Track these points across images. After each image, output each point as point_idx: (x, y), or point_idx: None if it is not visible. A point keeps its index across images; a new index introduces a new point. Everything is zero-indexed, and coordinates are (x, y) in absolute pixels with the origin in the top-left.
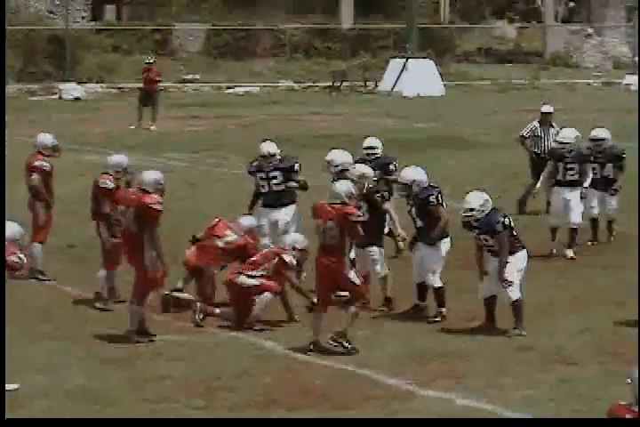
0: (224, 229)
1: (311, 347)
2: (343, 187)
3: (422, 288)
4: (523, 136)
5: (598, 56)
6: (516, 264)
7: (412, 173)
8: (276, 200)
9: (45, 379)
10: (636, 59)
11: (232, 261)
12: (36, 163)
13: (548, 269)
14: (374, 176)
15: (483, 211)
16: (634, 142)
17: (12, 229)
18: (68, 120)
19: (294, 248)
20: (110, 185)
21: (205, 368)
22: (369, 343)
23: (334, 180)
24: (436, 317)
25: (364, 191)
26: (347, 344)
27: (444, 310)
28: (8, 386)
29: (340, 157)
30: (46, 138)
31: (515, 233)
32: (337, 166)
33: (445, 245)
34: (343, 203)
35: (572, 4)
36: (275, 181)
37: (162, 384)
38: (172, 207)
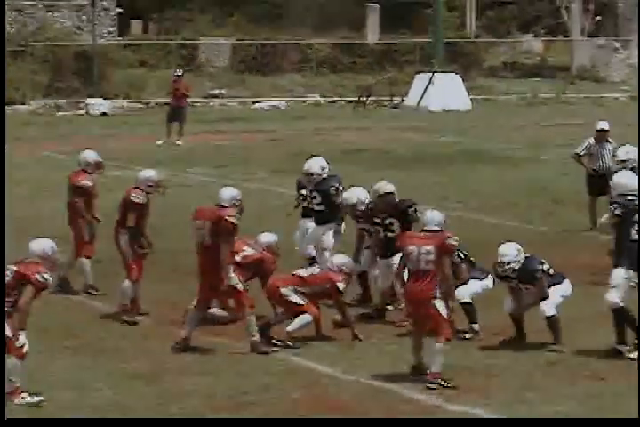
0: (242, 246)
1: (412, 371)
2: (439, 216)
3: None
4: (577, 154)
5: (625, 70)
6: (560, 291)
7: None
8: (318, 219)
9: (72, 394)
10: None
11: (250, 277)
12: (82, 182)
13: (575, 285)
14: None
15: (519, 261)
16: None
17: (42, 245)
18: (94, 136)
19: (342, 271)
20: (140, 199)
21: (232, 383)
22: (396, 358)
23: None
24: (467, 333)
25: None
26: (444, 383)
27: (476, 326)
28: (31, 398)
29: (315, 164)
30: (90, 155)
31: (550, 269)
32: (312, 175)
33: (489, 280)
34: (439, 230)
35: (598, 18)
36: (315, 201)
37: (188, 399)
38: None
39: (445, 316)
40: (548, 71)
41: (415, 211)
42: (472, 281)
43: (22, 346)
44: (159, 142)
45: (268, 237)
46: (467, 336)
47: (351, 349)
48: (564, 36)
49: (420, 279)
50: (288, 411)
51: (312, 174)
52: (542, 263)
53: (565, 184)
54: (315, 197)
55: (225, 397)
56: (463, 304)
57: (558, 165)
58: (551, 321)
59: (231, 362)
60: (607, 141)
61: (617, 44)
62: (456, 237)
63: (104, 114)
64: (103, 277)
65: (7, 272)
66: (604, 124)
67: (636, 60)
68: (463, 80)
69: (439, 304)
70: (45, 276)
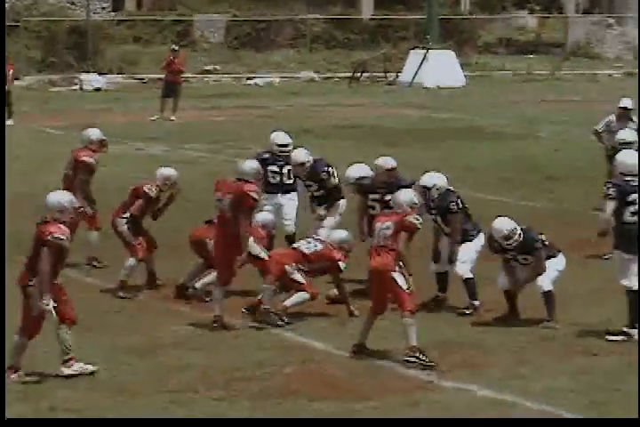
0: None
1: (354, 349)
2: (406, 197)
3: (442, 279)
4: (597, 130)
5: (620, 46)
6: (555, 265)
7: (432, 178)
8: (320, 202)
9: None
10: None
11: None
12: (85, 158)
13: (569, 262)
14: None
15: (519, 234)
16: None
17: (58, 197)
18: (88, 111)
19: (342, 248)
20: (153, 193)
21: (226, 359)
22: (389, 334)
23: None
24: (467, 308)
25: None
26: (425, 360)
27: (476, 302)
28: (87, 367)
29: (287, 137)
30: (94, 133)
31: (547, 243)
32: (302, 165)
33: (480, 240)
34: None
35: None
36: (312, 189)
37: (183, 375)
38: (192, 198)
39: (405, 289)
40: (543, 48)
41: None
42: (468, 246)
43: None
44: (153, 118)
45: (262, 216)
46: (467, 312)
47: (344, 325)
48: (559, 13)
49: (380, 254)
50: (281, 387)
51: (302, 164)
52: (541, 233)
53: (559, 161)
54: (311, 186)
55: (219, 372)
56: (465, 280)
57: (552, 142)
58: (547, 296)
59: (225, 337)
60: (630, 120)
61: (611, 21)
62: (417, 217)
63: (98, 89)
64: (99, 253)
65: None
66: (627, 102)
67: (634, 38)
68: (457, 56)
69: (398, 278)
70: (57, 235)
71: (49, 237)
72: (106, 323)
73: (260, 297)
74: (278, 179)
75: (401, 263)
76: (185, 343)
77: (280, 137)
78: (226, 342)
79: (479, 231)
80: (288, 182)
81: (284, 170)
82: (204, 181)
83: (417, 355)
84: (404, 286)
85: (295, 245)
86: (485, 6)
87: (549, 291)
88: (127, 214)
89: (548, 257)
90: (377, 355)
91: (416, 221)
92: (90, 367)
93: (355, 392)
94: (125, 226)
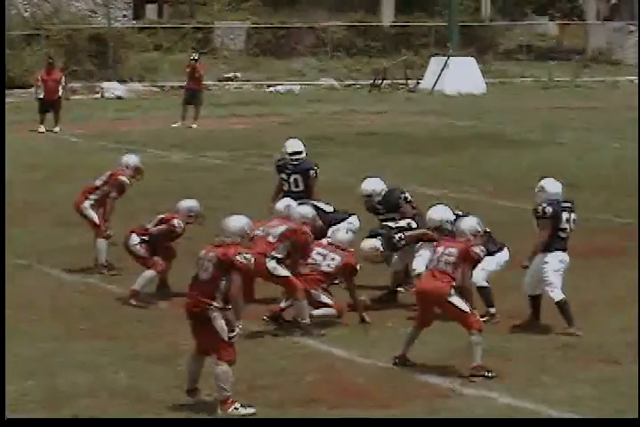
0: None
1: (396, 361)
2: (467, 225)
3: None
4: None
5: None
6: (553, 265)
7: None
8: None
9: (89, 378)
10: None
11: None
12: (121, 177)
13: (590, 269)
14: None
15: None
16: None
17: (241, 222)
18: (109, 119)
19: (346, 249)
20: (180, 229)
21: (247, 367)
22: (398, 342)
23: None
24: (483, 316)
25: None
26: (488, 374)
27: (492, 309)
28: (244, 410)
29: (298, 145)
30: (132, 159)
31: (563, 235)
32: (298, 154)
33: (504, 255)
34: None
35: (613, 1)
36: (293, 183)
37: (203, 382)
38: (213, 206)
39: (467, 310)
40: (564, 54)
41: (405, 199)
42: (487, 259)
43: (232, 348)
44: (174, 125)
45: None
46: (483, 319)
47: (366, 333)
48: (580, 20)
49: (437, 278)
50: (303, 395)
51: (299, 153)
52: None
53: (581, 168)
54: (296, 180)
55: (240, 380)
56: (479, 288)
57: (574, 149)
58: (561, 305)
59: (247, 345)
60: None
61: (632, 28)
62: (482, 247)
63: (119, 97)
64: (118, 261)
65: (206, 263)
66: None
67: None
68: (478, 63)
69: (457, 301)
70: (247, 256)
71: (238, 258)
72: (127, 331)
73: (282, 305)
74: (286, 187)
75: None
76: None
77: (290, 145)
78: (247, 350)
79: (502, 247)
80: (295, 190)
81: (291, 178)
82: (224, 189)
83: (483, 373)
84: (466, 308)
85: (312, 263)
86: (506, 13)
87: (562, 299)
88: (144, 236)
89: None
90: (399, 362)
91: (482, 254)
92: (248, 410)
93: (376, 400)
94: (138, 246)
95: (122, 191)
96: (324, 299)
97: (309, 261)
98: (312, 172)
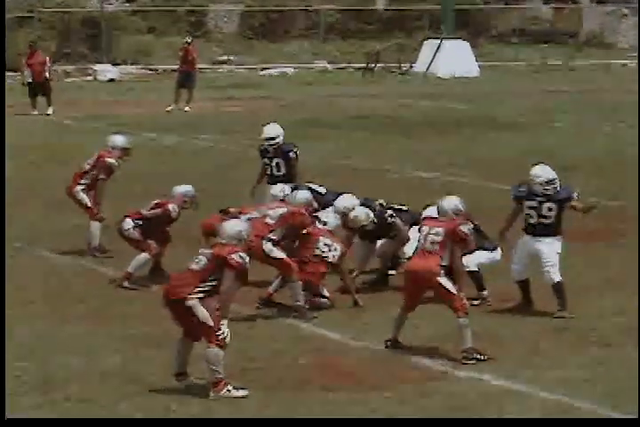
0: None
1: (387, 344)
2: (449, 204)
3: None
4: None
5: (633, 36)
6: (557, 247)
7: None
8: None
9: (82, 360)
10: None
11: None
12: (108, 159)
13: (582, 252)
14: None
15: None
16: None
17: (238, 226)
18: (102, 101)
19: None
20: (175, 214)
21: (240, 350)
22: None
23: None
24: (475, 300)
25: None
26: (480, 356)
27: (485, 293)
28: (236, 392)
29: (274, 129)
30: (120, 140)
31: (531, 220)
32: (272, 140)
33: (496, 253)
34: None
35: None
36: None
37: (196, 365)
38: (204, 188)
39: (455, 292)
40: (557, 38)
41: (392, 217)
42: (480, 252)
43: (224, 337)
44: (168, 109)
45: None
46: (475, 303)
47: (359, 315)
48: (573, 2)
49: (425, 258)
50: (296, 377)
51: (273, 139)
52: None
53: (574, 151)
54: (278, 164)
55: (233, 363)
56: (470, 272)
57: (567, 132)
58: (557, 287)
59: (240, 328)
60: None
61: (625, 11)
62: (468, 226)
63: (112, 80)
64: (111, 243)
65: (200, 257)
66: None
67: None
68: (472, 46)
69: (446, 282)
70: (243, 255)
71: (233, 257)
72: (119, 313)
73: (271, 289)
74: (269, 171)
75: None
76: None
77: (265, 130)
78: (240, 333)
79: (496, 247)
80: (277, 174)
81: (273, 162)
82: (216, 172)
83: (475, 356)
84: (453, 289)
85: (320, 254)
86: None
87: (559, 281)
88: (138, 220)
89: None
90: (392, 346)
91: (468, 231)
92: (240, 392)
93: (369, 383)
94: (132, 229)
95: (110, 173)
96: (325, 293)
97: (317, 252)
98: (291, 153)
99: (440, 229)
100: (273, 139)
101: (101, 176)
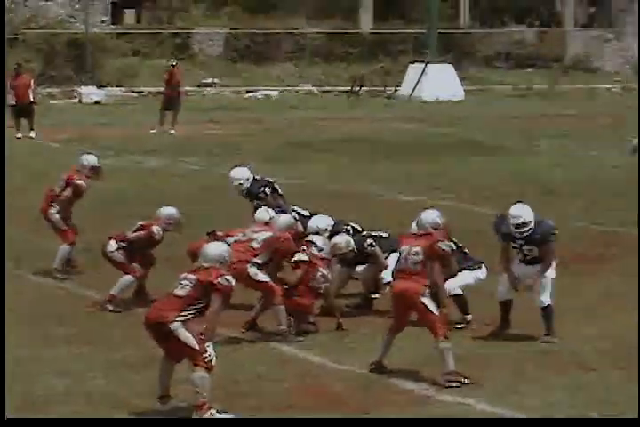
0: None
1: (372, 367)
2: (428, 218)
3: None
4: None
5: (618, 61)
6: (552, 273)
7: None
8: None
9: (65, 382)
10: None
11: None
12: (76, 180)
13: (565, 275)
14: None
15: (534, 220)
16: None
17: (219, 249)
18: (87, 124)
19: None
20: (159, 236)
21: (224, 373)
22: (375, 347)
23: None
24: (460, 323)
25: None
26: (463, 380)
27: (468, 317)
28: (219, 415)
29: (239, 173)
30: (89, 159)
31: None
32: (240, 183)
33: (482, 272)
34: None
35: (592, 9)
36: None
37: (181, 389)
38: (189, 211)
39: (437, 313)
40: (542, 62)
41: (372, 245)
42: (465, 272)
43: (210, 359)
44: (153, 131)
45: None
46: (459, 326)
47: (343, 339)
48: (558, 27)
49: (407, 278)
50: (280, 401)
51: (241, 184)
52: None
53: (557, 175)
54: (257, 204)
55: (217, 386)
56: (454, 296)
57: (551, 156)
58: (546, 310)
59: (224, 351)
60: None
61: (610, 35)
62: (447, 243)
63: (97, 102)
64: (93, 266)
65: (185, 282)
66: None
67: (633, 52)
68: (456, 70)
69: (429, 303)
70: (229, 278)
71: (220, 280)
72: (103, 336)
73: (254, 314)
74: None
75: (436, 293)
76: None
77: (232, 174)
78: (224, 356)
79: (480, 265)
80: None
81: (254, 204)
82: (202, 195)
83: (457, 379)
84: (435, 311)
85: (314, 286)
86: (484, 20)
87: (549, 305)
88: (123, 242)
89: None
90: (375, 369)
91: (447, 248)
92: (223, 416)
93: (353, 406)
94: (116, 252)
95: (78, 194)
96: (311, 318)
97: (312, 284)
98: (261, 194)
99: (418, 249)
100: (241, 184)
101: (67, 194)
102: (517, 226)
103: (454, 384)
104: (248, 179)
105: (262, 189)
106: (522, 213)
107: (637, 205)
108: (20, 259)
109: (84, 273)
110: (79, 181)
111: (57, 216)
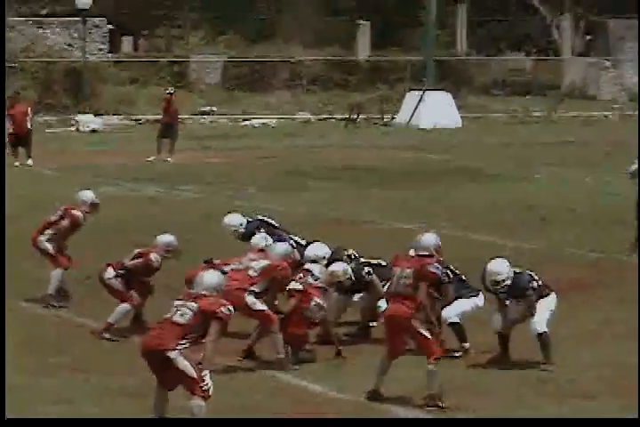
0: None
1: (368, 395)
2: (427, 240)
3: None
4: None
5: (615, 88)
6: (547, 305)
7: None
8: None
9: (60, 410)
10: None
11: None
12: (75, 211)
13: (562, 302)
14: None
15: (511, 277)
16: None
17: (216, 277)
18: (84, 152)
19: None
20: (157, 263)
21: (220, 402)
22: (386, 376)
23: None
24: (457, 351)
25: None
26: (441, 404)
27: (466, 345)
28: None
29: (233, 220)
30: (87, 195)
31: (540, 285)
32: (234, 229)
33: (479, 299)
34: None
35: (588, 37)
36: None
37: (177, 417)
38: (187, 239)
39: (429, 336)
40: (539, 89)
41: (369, 274)
42: (462, 300)
43: (208, 388)
44: (150, 159)
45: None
46: (457, 354)
47: (340, 367)
48: (555, 55)
49: (398, 302)
50: None
51: (236, 230)
52: (532, 280)
53: (554, 202)
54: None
55: (213, 415)
56: (451, 324)
57: (548, 184)
58: (542, 338)
59: (220, 379)
60: None
61: (607, 63)
62: (437, 265)
63: (94, 131)
64: (92, 294)
65: (185, 310)
66: None
67: (630, 80)
68: (454, 98)
69: (420, 325)
70: (230, 308)
71: (222, 310)
72: (100, 364)
73: (250, 342)
74: None
75: (423, 315)
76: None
77: (225, 220)
78: (220, 385)
79: (478, 293)
80: None
81: None
82: (199, 223)
83: (437, 403)
84: (427, 334)
85: (309, 316)
86: (481, 48)
87: (544, 333)
88: (120, 270)
89: (541, 297)
90: (371, 397)
91: (437, 271)
92: None
93: None
94: (114, 279)
95: (76, 226)
96: (307, 346)
97: (307, 313)
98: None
99: (409, 271)
100: (236, 230)
101: (64, 224)
102: (493, 283)
103: (433, 408)
104: (242, 224)
105: (256, 231)
106: (500, 269)
107: (636, 231)
108: (14, 287)
109: (80, 301)
110: (78, 213)
111: (46, 244)
